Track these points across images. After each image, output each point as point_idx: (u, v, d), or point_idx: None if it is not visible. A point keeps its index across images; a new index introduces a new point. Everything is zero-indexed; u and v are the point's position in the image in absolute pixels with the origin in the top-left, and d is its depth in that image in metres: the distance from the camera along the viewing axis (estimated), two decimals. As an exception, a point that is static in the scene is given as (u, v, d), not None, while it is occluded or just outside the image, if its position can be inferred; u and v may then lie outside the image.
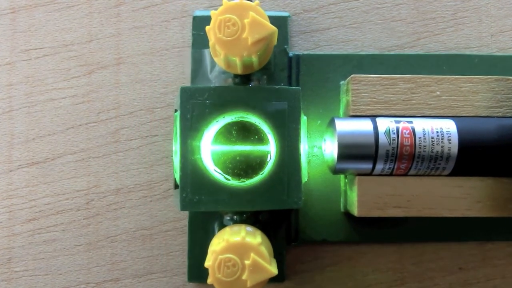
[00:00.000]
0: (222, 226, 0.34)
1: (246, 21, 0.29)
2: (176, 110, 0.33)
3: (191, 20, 0.37)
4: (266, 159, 0.32)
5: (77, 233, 0.36)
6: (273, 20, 0.32)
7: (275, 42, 0.31)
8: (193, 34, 0.36)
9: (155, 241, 0.36)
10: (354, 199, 0.32)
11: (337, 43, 0.37)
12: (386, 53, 0.37)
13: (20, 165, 0.37)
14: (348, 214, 0.35)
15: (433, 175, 0.32)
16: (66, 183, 0.37)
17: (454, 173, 0.32)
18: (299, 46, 0.37)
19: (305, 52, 0.36)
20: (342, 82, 0.35)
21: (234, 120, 0.32)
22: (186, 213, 0.36)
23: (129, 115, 0.37)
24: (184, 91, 0.31)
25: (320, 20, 0.37)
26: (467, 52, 0.37)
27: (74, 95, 0.37)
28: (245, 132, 0.32)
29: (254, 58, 0.30)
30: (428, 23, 0.37)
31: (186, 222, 0.36)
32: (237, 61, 0.30)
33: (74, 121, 0.37)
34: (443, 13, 0.37)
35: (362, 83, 0.32)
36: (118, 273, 0.36)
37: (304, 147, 0.33)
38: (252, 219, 0.33)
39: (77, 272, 0.36)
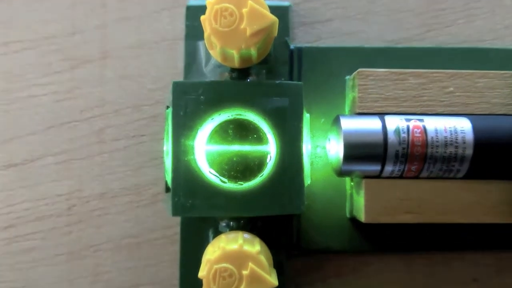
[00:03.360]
0: (217, 233, 0.33)
1: (244, 10, 0.29)
2: (168, 107, 0.32)
3: (182, 11, 0.36)
4: (266, 160, 0.32)
5: (58, 242, 0.36)
6: (273, 10, 0.32)
7: (275, 34, 0.30)
8: (186, 25, 0.36)
9: (142, 250, 0.36)
10: (361, 204, 0.32)
11: (340, 36, 0.37)
12: (395, 46, 0.37)
13: (-4, 168, 0.36)
14: (354, 220, 0.35)
15: (446, 178, 0.32)
16: (46, 187, 0.36)
17: (469, 175, 0.31)
18: (300, 39, 0.37)
19: (308, 45, 0.36)
20: (347, 77, 0.35)
21: (231, 117, 0.32)
22: (177, 219, 0.35)
23: (114, 113, 0.36)
24: (176, 86, 0.31)
25: (322, 11, 0.37)
26: (480, 45, 0.37)
27: (56, 92, 0.36)
28: (243, 130, 0.32)
29: (253, 51, 0.29)
30: (438, 15, 0.37)
31: (176, 229, 0.36)
32: (235, 53, 0.29)
33: (56, 119, 0.36)
34: (454, 4, 0.37)
35: (370, 78, 0.32)
36: (102, 286, 0.36)
37: (306, 147, 0.32)
38: (250, 225, 0.33)
39: (57, 284, 0.36)
